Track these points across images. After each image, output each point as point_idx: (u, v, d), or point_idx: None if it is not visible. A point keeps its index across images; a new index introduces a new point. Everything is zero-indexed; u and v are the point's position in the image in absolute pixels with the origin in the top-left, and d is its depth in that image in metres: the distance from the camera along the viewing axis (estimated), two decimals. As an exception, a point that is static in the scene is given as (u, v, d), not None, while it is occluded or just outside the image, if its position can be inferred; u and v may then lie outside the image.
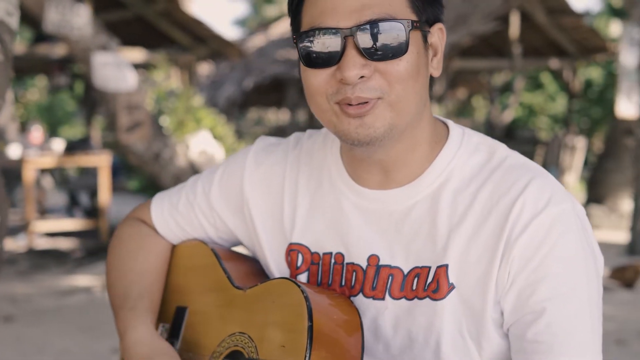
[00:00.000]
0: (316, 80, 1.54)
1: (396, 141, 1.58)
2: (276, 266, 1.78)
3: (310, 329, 1.52)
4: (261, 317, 1.67)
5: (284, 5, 35.33)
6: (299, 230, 1.74)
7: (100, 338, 6.36)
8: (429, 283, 1.58)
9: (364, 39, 1.48)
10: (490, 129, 21.03)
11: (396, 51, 1.49)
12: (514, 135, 19.77)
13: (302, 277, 1.74)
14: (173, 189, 1.96)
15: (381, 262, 1.64)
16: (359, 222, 1.67)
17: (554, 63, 16.14)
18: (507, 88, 23.55)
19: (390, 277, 1.63)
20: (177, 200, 1.91)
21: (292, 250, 1.75)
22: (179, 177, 9.83)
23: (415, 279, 1.60)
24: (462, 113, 26.68)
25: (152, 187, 10.57)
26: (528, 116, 31.94)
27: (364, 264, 1.66)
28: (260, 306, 1.69)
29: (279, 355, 1.59)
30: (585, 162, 19.45)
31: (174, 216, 1.92)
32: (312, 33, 1.51)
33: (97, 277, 8.60)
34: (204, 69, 18.75)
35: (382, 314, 1.63)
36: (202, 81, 17.15)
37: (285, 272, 1.78)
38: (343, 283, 1.69)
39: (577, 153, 15.23)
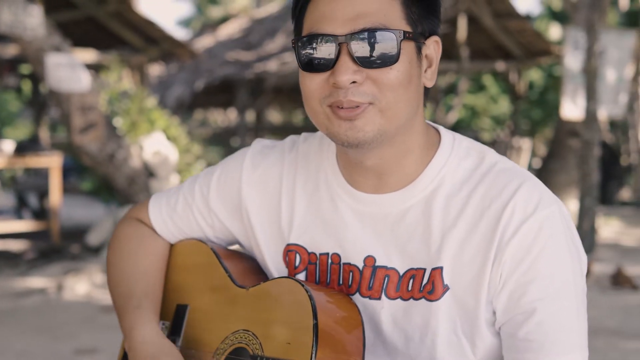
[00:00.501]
0: (312, 83, 1.60)
1: (387, 146, 1.64)
2: (274, 265, 1.83)
3: (316, 326, 1.58)
4: (265, 315, 1.72)
5: (229, 6, 35.23)
6: (297, 231, 1.79)
7: (60, 339, 6.36)
8: (425, 284, 1.64)
9: (357, 47, 1.55)
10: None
11: (387, 60, 1.56)
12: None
13: (301, 277, 1.79)
14: (170, 190, 2.01)
15: (377, 263, 1.69)
16: (355, 224, 1.72)
17: (500, 65, 16.40)
18: (451, 90, 23.88)
19: (386, 278, 1.68)
20: (174, 201, 1.96)
21: (290, 250, 1.80)
22: (133, 178, 9.82)
23: (411, 280, 1.66)
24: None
25: (105, 188, 10.51)
26: (471, 117, 32.35)
27: (360, 265, 1.71)
28: (263, 304, 1.74)
29: (284, 352, 1.64)
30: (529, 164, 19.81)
31: (172, 217, 1.96)
32: (309, 39, 1.58)
33: (52, 278, 8.55)
34: (155, 69, 18.67)
35: (379, 314, 1.69)
36: (151, 82, 17.07)
37: (284, 272, 1.82)
38: (341, 282, 1.74)
39: (522, 154, 15.52)
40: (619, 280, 8.20)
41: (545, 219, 1.59)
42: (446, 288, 1.63)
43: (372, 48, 1.55)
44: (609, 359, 5.95)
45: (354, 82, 1.56)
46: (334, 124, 1.60)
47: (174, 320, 1.95)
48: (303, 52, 1.60)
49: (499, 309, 1.61)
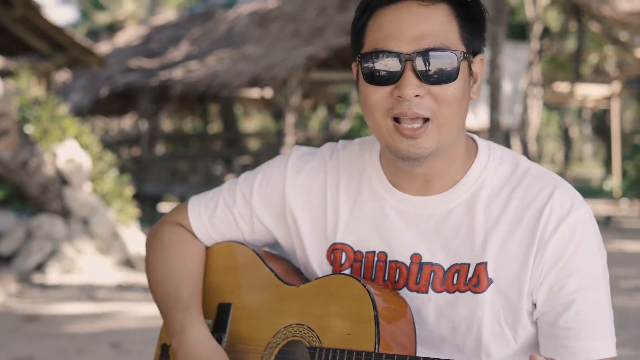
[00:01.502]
0: (376, 96, 1.73)
1: (438, 157, 1.77)
2: (317, 264, 1.93)
3: (377, 318, 1.71)
4: (320, 310, 1.83)
5: (116, 12, 34.74)
6: (342, 232, 1.90)
7: (-8, 349, 6.28)
8: (470, 278, 1.78)
9: (421, 64, 1.69)
10: (329, 139, 21.65)
11: (448, 77, 1.70)
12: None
13: (346, 272, 1.90)
14: (207, 195, 2.09)
15: (423, 260, 1.82)
16: (400, 225, 1.85)
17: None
18: (342, 100, 24.34)
19: (432, 273, 1.82)
20: (214, 205, 2.04)
21: (336, 249, 1.91)
22: (47, 186, 9.70)
23: (456, 275, 1.80)
24: (299, 124, 27.26)
25: (17, 196, 10.33)
26: (360, 126, 32.93)
27: (407, 262, 1.84)
28: (317, 300, 1.85)
29: (344, 342, 1.76)
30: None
31: (212, 220, 2.04)
32: (375, 54, 1.71)
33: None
34: (60, 76, 18.39)
35: (426, 306, 1.82)
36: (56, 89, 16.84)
37: (328, 269, 1.92)
38: (386, 278, 1.86)
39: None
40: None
41: (579, 219, 1.76)
42: (490, 281, 1.78)
43: (435, 66, 1.70)
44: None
45: (417, 95, 1.69)
46: (396, 140, 1.73)
47: (217, 318, 2.03)
48: (369, 66, 1.72)
49: (539, 300, 1.77)
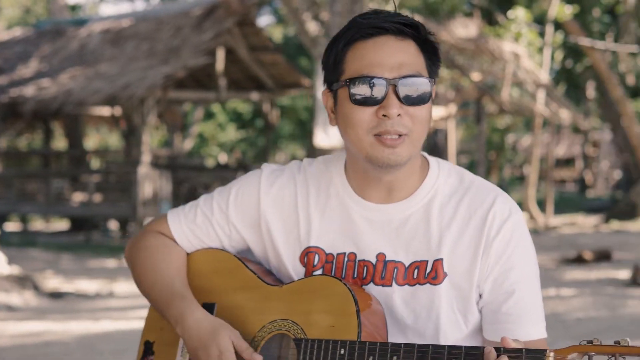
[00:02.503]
0: (361, 115, 1.98)
1: (404, 167, 2.04)
2: (292, 266, 2.16)
3: (358, 312, 1.96)
4: (304, 306, 2.05)
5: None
6: (315, 237, 2.13)
7: None
8: (429, 272, 2.06)
9: (402, 88, 1.96)
10: (175, 157, 21.83)
11: (422, 99, 1.98)
12: (186, 164, 20.69)
13: (317, 273, 2.13)
14: (184, 208, 2.29)
15: (387, 258, 2.08)
16: (366, 228, 2.10)
17: (255, 96, 17.27)
18: (187, 119, 24.56)
19: (395, 269, 2.08)
20: (193, 215, 2.24)
21: (310, 252, 2.14)
22: None
23: (416, 270, 2.07)
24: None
25: None
26: (200, 144, 33.14)
27: (373, 260, 2.09)
28: (301, 298, 2.06)
29: (328, 334, 1.99)
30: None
31: (192, 229, 2.25)
32: (362, 79, 1.96)
33: None
34: None
35: (391, 297, 2.07)
36: None
37: (301, 271, 2.14)
38: (355, 276, 2.11)
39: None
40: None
41: (516, 223, 2.07)
42: (445, 275, 2.06)
43: (413, 90, 1.98)
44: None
45: (399, 115, 1.96)
46: (378, 150, 1.98)
47: None
48: (355, 89, 1.98)
49: (485, 291, 2.06)
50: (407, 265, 2.08)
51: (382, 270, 2.09)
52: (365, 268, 2.11)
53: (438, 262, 2.06)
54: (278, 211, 2.18)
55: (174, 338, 2.22)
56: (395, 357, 1.95)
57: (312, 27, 15.22)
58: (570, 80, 27.01)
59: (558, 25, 22.19)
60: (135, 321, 7.83)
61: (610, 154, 39.71)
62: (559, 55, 23.45)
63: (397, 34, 1.99)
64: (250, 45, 15.54)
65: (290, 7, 15.08)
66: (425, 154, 2.18)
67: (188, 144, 26.68)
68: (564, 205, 26.41)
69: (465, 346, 1.90)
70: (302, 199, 2.17)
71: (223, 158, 31.05)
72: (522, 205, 21.73)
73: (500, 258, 2.06)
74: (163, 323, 2.23)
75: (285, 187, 2.19)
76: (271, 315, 2.10)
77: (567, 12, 22.11)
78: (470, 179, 2.14)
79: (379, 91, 1.96)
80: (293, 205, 2.17)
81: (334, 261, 2.13)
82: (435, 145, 37.30)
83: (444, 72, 21.56)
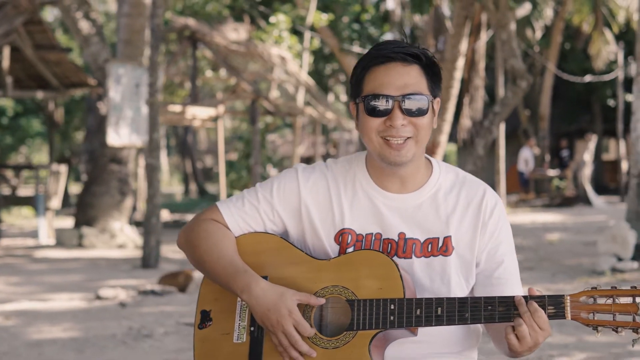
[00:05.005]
0: (373, 123, 2.47)
1: (411, 164, 2.52)
2: (328, 244, 2.57)
3: (402, 276, 2.40)
4: (352, 274, 2.44)
5: None
6: (348, 220, 2.57)
7: None
8: (440, 246, 2.54)
9: (406, 103, 2.45)
10: None
11: (422, 112, 2.48)
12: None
13: (350, 249, 2.54)
14: (231, 199, 2.67)
15: (407, 236, 2.55)
16: (388, 213, 2.56)
17: (40, 94, 16.94)
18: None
19: (413, 245, 2.54)
20: (241, 205, 2.63)
21: (344, 233, 2.57)
22: None
23: (430, 245, 2.55)
24: None
25: None
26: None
27: (396, 238, 2.55)
28: (349, 267, 2.45)
29: (377, 295, 2.39)
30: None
31: (241, 216, 2.62)
32: (374, 96, 2.46)
33: None
34: None
35: (412, 267, 2.53)
36: None
37: (335, 248, 2.55)
38: (381, 251, 2.53)
39: (61, 178, 16.27)
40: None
41: (501, 208, 2.62)
42: (453, 248, 2.55)
43: (414, 105, 2.47)
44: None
45: (403, 124, 2.45)
46: (386, 151, 2.47)
47: None
48: (369, 104, 2.47)
49: (482, 261, 2.57)
50: (422, 241, 2.56)
51: (403, 246, 2.55)
52: (389, 245, 2.56)
53: (447, 238, 2.56)
54: (315, 200, 2.60)
55: (230, 306, 2.56)
56: (439, 309, 2.37)
57: (85, 26, 15.30)
58: (319, 82, 28.49)
59: (313, 31, 23.51)
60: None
61: (348, 153, 42.13)
62: (310, 59, 24.71)
63: (402, 61, 2.48)
64: (36, 44, 15.32)
65: (62, 6, 15.04)
66: (427, 155, 2.68)
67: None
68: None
69: (498, 296, 2.38)
70: (334, 191, 2.61)
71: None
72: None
73: (492, 235, 2.59)
74: (217, 294, 2.58)
75: (319, 181, 2.63)
76: (322, 283, 2.46)
77: (323, 18, 23.51)
78: (462, 174, 2.67)
79: (386, 105, 2.46)
80: (327, 195, 2.61)
81: (364, 240, 2.57)
82: (184, 144, 37.74)
83: (217, 74, 22.10)
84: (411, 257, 2.55)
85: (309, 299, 2.43)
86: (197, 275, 9.77)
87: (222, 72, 22.28)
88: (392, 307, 2.38)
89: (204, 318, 2.57)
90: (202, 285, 2.64)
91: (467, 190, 2.61)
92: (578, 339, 6.64)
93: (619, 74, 26.46)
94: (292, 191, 2.61)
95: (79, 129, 28.48)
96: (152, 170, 12.13)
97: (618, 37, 27.18)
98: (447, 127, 13.23)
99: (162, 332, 7.22)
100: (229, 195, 21.62)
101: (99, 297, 9.17)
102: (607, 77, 26.99)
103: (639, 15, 12.52)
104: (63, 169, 16.70)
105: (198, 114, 20.19)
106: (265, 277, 2.53)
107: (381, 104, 2.46)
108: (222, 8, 24.87)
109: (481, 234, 2.58)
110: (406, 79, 2.47)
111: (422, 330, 2.46)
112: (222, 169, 21.63)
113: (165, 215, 20.66)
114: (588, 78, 27.00)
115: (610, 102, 31.25)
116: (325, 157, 39.78)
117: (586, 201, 24.08)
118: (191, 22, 19.35)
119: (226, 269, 2.53)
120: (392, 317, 2.37)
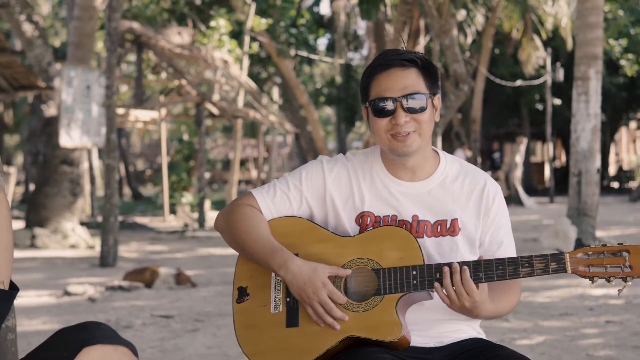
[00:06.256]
0: (380, 123, 2.72)
1: (418, 155, 2.77)
2: (349, 225, 2.81)
3: (420, 247, 2.65)
4: (376, 247, 2.68)
5: None
6: (367, 204, 2.81)
7: None
8: (449, 227, 2.79)
9: (406, 103, 2.70)
10: None
11: (421, 109, 2.71)
12: None
13: (370, 229, 2.76)
14: (264, 187, 2.91)
15: (420, 218, 2.79)
16: (402, 198, 2.81)
17: (-11, 96, 16.91)
18: None
19: (425, 226, 2.79)
20: (273, 192, 2.87)
21: (364, 215, 2.81)
22: None
23: (439, 226, 2.79)
24: None
25: None
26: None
27: (410, 220, 2.79)
28: (372, 242, 2.70)
29: (399, 263, 2.64)
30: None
31: (273, 201, 2.87)
32: (379, 99, 2.72)
33: None
34: None
35: (424, 245, 2.73)
36: None
37: (356, 229, 2.79)
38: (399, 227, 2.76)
39: (11, 180, 16.32)
40: (180, 279, 9.99)
41: (501, 195, 2.88)
42: (460, 229, 2.79)
43: (414, 104, 2.71)
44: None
45: (405, 121, 2.69)
46: (394, 144, 2.72)
47: None
48: (375, 106, 2.72)
49: (485, 242, 2.83)
50: (432, 223, 2.81)
51: (416, 227, 2.80)
52: (404, 225, 2.80)
53: (455, 220, 2.82)
54: (338, 188, 2.87)
55: (265, 281, 2.80)
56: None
57: (28, 28, 15.41)
58: (256, 85, 28.80)
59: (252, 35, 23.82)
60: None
61: (279, 156, 42.50)
62: (247, 62, 25.07)
63: (401, 66, 2.73)
64: (-15, 45, 15.32)
65: (5, 9, 15.07)
66: (435, 148, 2.94)
67: None
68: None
69: (506, 257, 2.65)
70: (354, 179, 2.87)
71: None
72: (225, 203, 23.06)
73: (494, 219, 2.85)
74: (252, 272, 2.81)
75: (341, 171, 2.90)
76: (349, 256, 2.72)
77: (262, 23, 23.86)
78: (465, 164, 2.94)
79: (390, 106, 2.72)
80: (348, 183, 2.88)
81: (381, 221, 2.82)
82: (119, 144, 37.64)
83: (161, 77, 22.24)
84: (423, 237, 2.80)
85: (338, 271, 2.69)
86: (163, 271, 10.07)
87: (163, 75, 22.40)
88: (414, 272, 2.64)
89: (241, 293, 2.83)
90: (237, 265, 2.88)
91: (470, 178, 2.88)
92: (534, 323, 7.14)
93: (547, 78, 27.46)
94: (318, 180, 2.88)
95: (16, 132, 28.27)
96: (110, 171, 12.33)
97: (546, 43, 28.19)
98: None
99: (141, 324, 7.43)
100: (171, 196, 21.86)
101: (67, 293, 9.30)
102: (536, 82, 27.96)
103: (577, 23, 12.99)
104: (12, 170, 16.73)
105: (141, 116, 20.34)
106: (296, 254, 2.77)
107: (385, 105, 2.73)
108: (162, 11, 25.04)
109: (484, 218, 2.85)
110: (405, 81, 2.73)
111: (436, 298, 2.73)
112: (165, 170, 21.83)
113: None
114: (519, 82, 27.94)
115: (538, 106, 32.32)
116: (255, 161, 40.17)
117: (518, 202, 25.01)
118: (136, 25, 19.53)
119: (264, 248, 2.77)
120: (414, 281, 2.64)
